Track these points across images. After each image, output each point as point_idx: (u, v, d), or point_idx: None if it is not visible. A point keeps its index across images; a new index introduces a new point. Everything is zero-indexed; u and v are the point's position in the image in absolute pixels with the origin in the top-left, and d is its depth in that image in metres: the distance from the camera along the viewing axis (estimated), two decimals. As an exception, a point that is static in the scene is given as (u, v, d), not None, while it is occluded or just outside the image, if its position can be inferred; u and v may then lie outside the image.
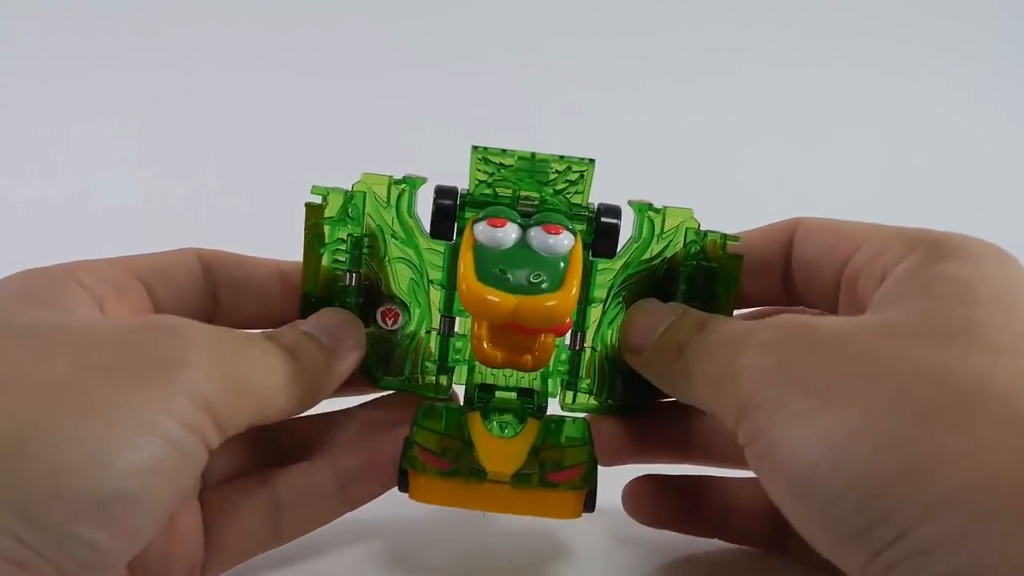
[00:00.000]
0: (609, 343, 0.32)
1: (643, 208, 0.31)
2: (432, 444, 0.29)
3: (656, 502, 0.33)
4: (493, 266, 0.27)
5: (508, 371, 0.32)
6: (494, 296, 0.26)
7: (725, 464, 0.33)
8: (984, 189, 0.80)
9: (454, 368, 0.32)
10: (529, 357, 0.29)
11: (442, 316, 0.32)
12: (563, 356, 0.33)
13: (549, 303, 0.26)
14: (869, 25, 0.85)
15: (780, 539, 0.32)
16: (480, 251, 0.28)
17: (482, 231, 0.28)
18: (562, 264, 0.27)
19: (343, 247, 0.31)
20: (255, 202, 0.69)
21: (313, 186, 0.30)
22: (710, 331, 0.27)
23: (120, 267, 0.28)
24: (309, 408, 0.28)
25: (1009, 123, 0.85)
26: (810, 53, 0.85)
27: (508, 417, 0.30)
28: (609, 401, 0.33)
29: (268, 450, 0.32)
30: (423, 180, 0.31)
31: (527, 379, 0.32)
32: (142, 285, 0.29)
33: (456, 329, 0.32)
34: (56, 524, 0.20)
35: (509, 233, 0.28)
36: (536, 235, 0.28)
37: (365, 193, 0.30)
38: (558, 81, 0.81)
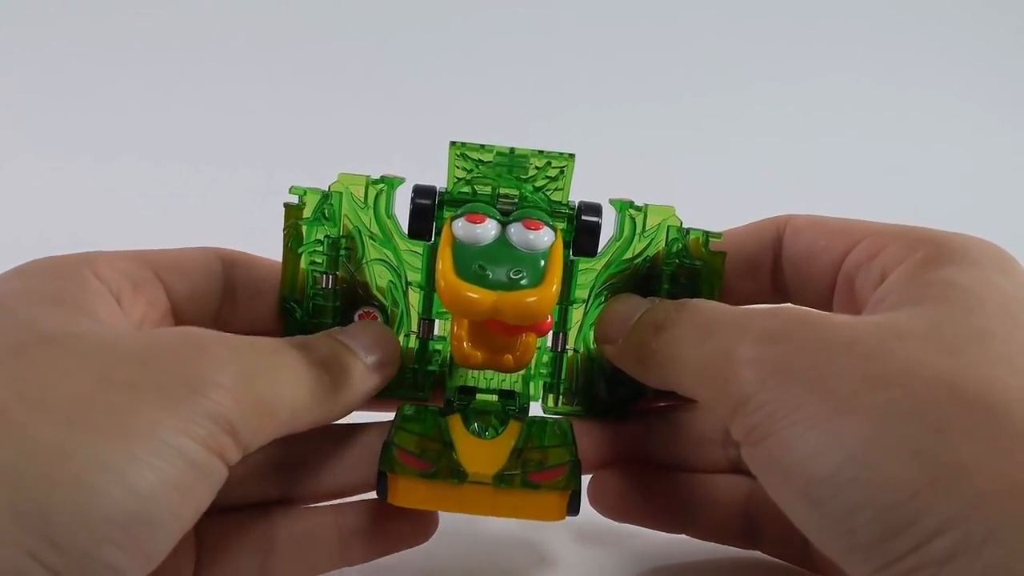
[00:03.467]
0: (592, 344, 0.32)
1: (624, 206, 0.31)
2: (411, 446, 0.28)
3: (623, 496, 0.32)
4: (472, 262, 0.27)
5: (489, 373, 0.31)
6: (473, 292, 0.26)
7: (708, 471, 0.32)
8: (973, 189, 0.80)
9: (434, 371, 0.32)
10: (510, 357, 0.29)
11: (421, 318, 0.31)
12: (545, 358, 0.32)
13: (529, 299, 0.26)
14: (862, 20, 0.86)
15: (750, 534, 0.32)
16: (459, 248, 0.27)
17: (461, 227, 0.28)
18: (542, 261, 0.27)
19: (320, 248, 0.30)
20: (235, 201, 0.69)
21: (291, 187, 0.30)
22: (693, 310, 0.26)
23: (137, 261, 0.28)
24: (339, 418, 0.28)
25: (1005, 122, 0.85)
26: (803, 49, 0.85)
27: (489, 419, 0.29)
28: (592, 404, 0.32)
29: (284, 473, 0.31)
30: (401, 180, 0.30)
31: (508, 381, 0.32)
32: (159, 281, 0.28)
33: (436, 332, 0.31)
34: (79, 547, 0.19)
35: (488, 229, 0.28)
36: (516, 231, 0.28)
37: (341, 194, 0.30)
38: (543, 79, 0.81)
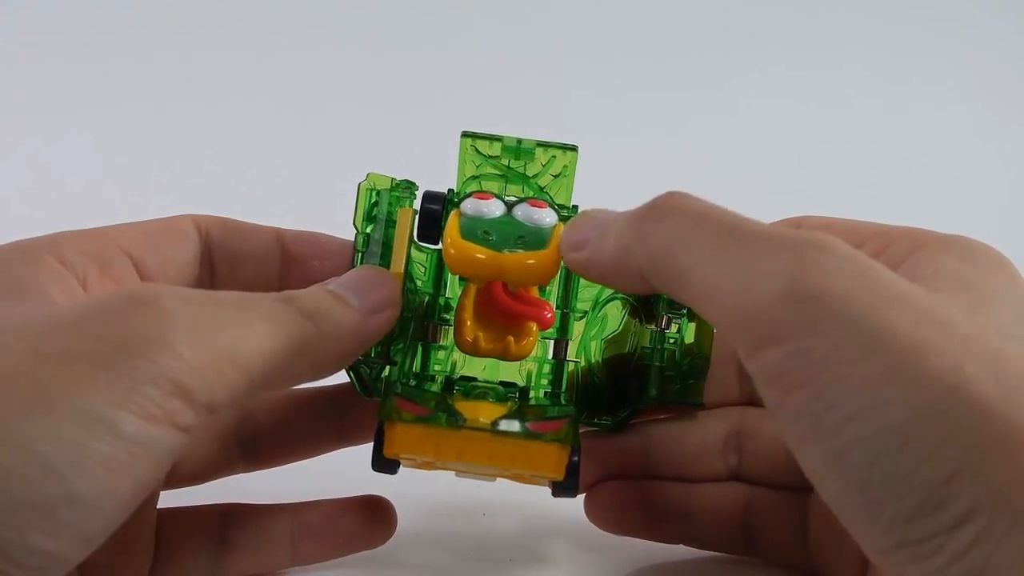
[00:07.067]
0: (593, 357, 0.32)
1: None
2: (408, 391, 0.28)
3: (619, 509, 0.32)
4: (478, 229, 0.28)
5: (491, 368, 0.32)
6: (479, 253, 0.27)
7: (708, 480, 0.32)
8: (981, 191, 0.80)
9: (435, 377, 0.32)
10: (511, 339, 0.29)
11: (425, 322, 0.31)
12: (546, 368, 0.32)
13: (529, 260, 0.27)
14: (866, 25, 0.85)
15: (749, 542, 0.32)
16: (466, 220, 0.28)
17: (469, 205, 0.29)
18: (545, 235, 0.28)
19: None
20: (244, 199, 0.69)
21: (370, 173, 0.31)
22: (696, 204, 0.23)
23: (105, 240, 0.27)
24: (334, 372, 0.26)
25: (1008, 124, 0.84)
26: (809, 54, 0.85)
27: (488, 394, 0.30)
28: (591, 415, 0.32)
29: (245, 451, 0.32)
30: (416, 187, 0.31)
31: (510, 377, 0.32)
32: (129, 259, 0.27)
33: (439, 340, 0.32)
34: (1, 535, 0.19)
35: (495, 207, 0.29)
36: (521, 209, 0.29)
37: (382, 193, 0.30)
38: (554, 84, 0.81)
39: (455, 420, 0.27)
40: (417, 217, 0.30)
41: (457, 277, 0.31)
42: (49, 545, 0.19)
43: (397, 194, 0.30)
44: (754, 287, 0.21)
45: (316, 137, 0.75)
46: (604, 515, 0.32)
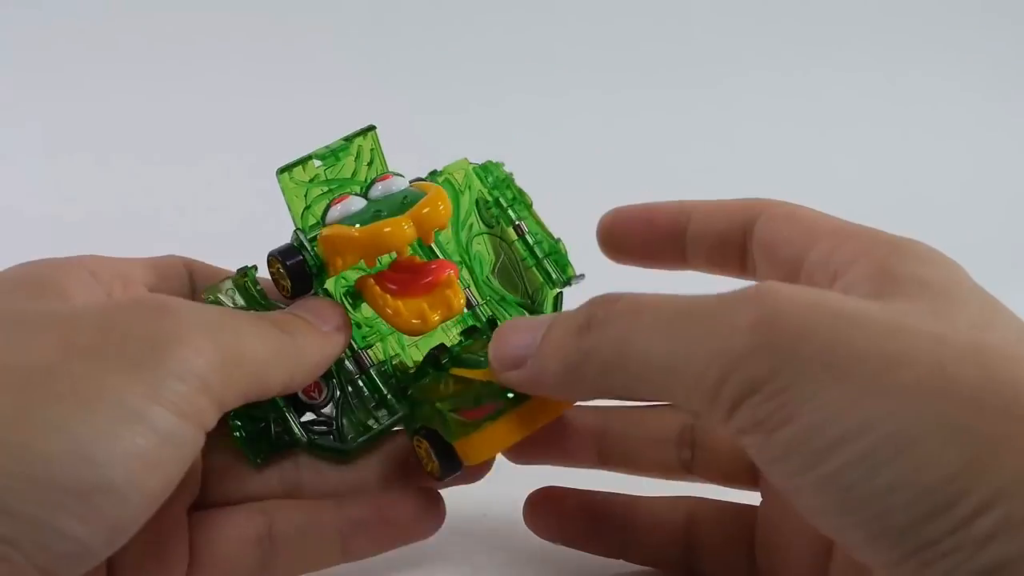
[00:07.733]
0: (496, 296, 0.33)
1: (428, 179, 0.32)
2: (466, 402, 0.28)
3: (559, 516, 0.32)
4: (366, 213, 0.28)
5: (425, 343, 0.32)
6: (387, 225, 0.27)
7: (659, 472, 0.32)
8: (981, 190, 0.80)
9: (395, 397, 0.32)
10: (449, 292, 0.29)
11: (349, 356, 0.31)
12: (470, 322, 0.33)
13: (439, 201, 0.27)
14: (858, 24, 0.85)
15: (690, 560, 0.31)
16: (344, 220, 0.28)
17: (334, 212, 0.28)
18: (414, 191, 0.28)
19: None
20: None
21: None
22: (632, 300, 0.24)
23: (126, 264, 0.29)
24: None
25: (1008, 124, 0.84)
26: (808, 55, 0.86)
27: (480, 352, 0.29)
28: None
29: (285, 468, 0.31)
30: (255, 268, 0.30)
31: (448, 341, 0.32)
32: (144, 285, 0.29)
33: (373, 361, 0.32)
34: (30, 514, 0.19)
35: (355, 200, 0.29)
36: (374, 190, 0.29)
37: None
38: (555, 83, 0.81)
39: (516, 400, 0.27)
40: (289, 281, 0.29)
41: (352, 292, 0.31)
42: (80, 531, 0.20)
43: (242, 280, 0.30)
44: (716, 354, 0.21)
45: (316, 137, 0.75)
46: (544, 523, 0.32)
